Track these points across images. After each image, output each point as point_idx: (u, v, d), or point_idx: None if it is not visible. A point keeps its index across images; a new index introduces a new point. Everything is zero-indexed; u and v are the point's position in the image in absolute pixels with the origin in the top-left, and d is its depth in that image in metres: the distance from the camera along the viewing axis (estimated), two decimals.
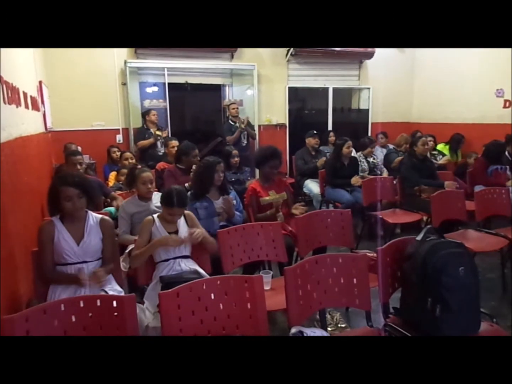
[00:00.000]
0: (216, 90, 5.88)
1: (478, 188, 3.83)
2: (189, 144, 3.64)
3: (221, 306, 1.68)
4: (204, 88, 5.71)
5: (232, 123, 5.33)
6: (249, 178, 4.13)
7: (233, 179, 3.93)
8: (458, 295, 1.73)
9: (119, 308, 1.54)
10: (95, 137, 5.02)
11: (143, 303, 2.04)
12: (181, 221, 2.30)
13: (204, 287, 1.68)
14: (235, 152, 4.02)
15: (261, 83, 5.78)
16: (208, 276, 2.09)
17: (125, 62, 5.04)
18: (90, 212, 2.07)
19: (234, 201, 2.86)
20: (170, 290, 1.61)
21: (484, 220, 3.40)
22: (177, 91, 5.49)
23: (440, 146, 5.66)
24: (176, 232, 2.25)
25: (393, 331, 1.87)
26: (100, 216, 2.12)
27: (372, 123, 6.48)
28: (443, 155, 5.39)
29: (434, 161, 4.81)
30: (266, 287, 2.07)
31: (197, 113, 6.08)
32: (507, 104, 5.53)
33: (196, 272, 2.18)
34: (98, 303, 1.55)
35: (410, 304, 1.86)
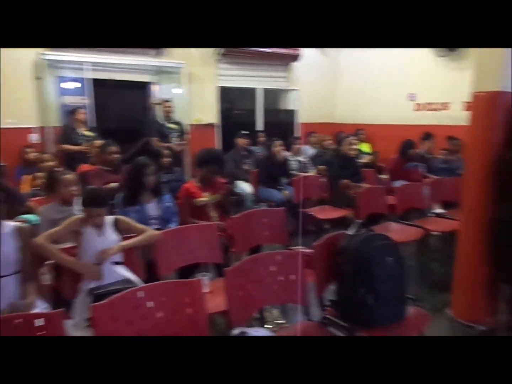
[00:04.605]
0: (142, 88, 5.65)
1: (397, 184, 4.14)
2: (105, 142, 3.50)
3: (160, 314, 1.60)
4: (130, 85, 5.45)
5: (161, 123, 5.13)
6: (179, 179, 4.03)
7: (164, 179, 3.80)
8: (388, 284, 1.86)
9: (47, 326, 1.39)
10: (5, 136, 4.52)
11: (72, 317, 1.89)
12: (108, 227, 2.16)
13: (140, 295, 1.60)
14: (165, 152, 3.90)
15: (190, 82, 5.68)
16: (142, 283, 2.00)
17: (40, 54, 4.61)
18: (2, 222, 1.86)
19: (170, 204, 2.77)
20: (102, 301, 1.50)
21: (403, 213, 3.68)
22: (101, 87, 5.16)
23: (363, 146, 6.05)
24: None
25: (330, 323, 1.94)
26: (15, 224, 1.92)
27: (300, 124, 6.70)
28: (365, 154, 5.74)
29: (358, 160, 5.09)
30: (205, 290, 2.03)
31: (123, 111, 5.77)
32: (419, 107, 6.09)
33: (128, 281, 2.06)
34: (18, 322, 1.39)
35: (344, 295, 1.95)
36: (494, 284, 2.48)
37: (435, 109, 5.95)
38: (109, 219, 2.18)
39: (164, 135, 5.02)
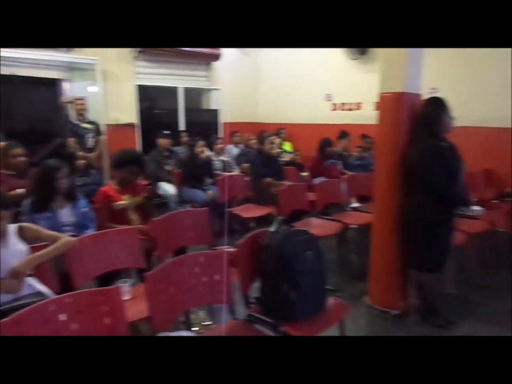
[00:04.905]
0: (52, 85, 5.22)
1: (317, 181, 4.33)
2: (8, 144, 3.19)
3: (75, 326, 1.49)
4: (38, 82, 5.00)
5: (75, 122, 4.78)
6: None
7: (79, 183, 3.56)
8: (309, 277, 1.93)
9: None
10: None
11: None
12: (12, 237, 1.96)
13: (51, 308, 1.47)
14: (80, 154, 3.65)
15: (105, 80, 5.38)
16: (55, 296, 1.84)
17: None
18: None
19: (86, 209, 2.60)
20: (5, 319, 1.35)
21: (323, 208, 3.86)
22: (3, 84, 4.66)
23: (285, 145, 6.24)
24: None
25: (255, 320, 1.96)
26: None
27: (223, 123, 6.71)
28: (287, 152, 5.93)
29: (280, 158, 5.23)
30: (126, 297, 1.94)
31: (30, 110, 5.28)
32: (335, 107, 6.43)
33: (39, 293, 1.89)
34: None
35: (268, 292, 1.98)
36: (405, 271, 2.70)
37: (349, 109, 6.34)
38: (12, 227, 1.98)
39: (78, 136, 4.69)
